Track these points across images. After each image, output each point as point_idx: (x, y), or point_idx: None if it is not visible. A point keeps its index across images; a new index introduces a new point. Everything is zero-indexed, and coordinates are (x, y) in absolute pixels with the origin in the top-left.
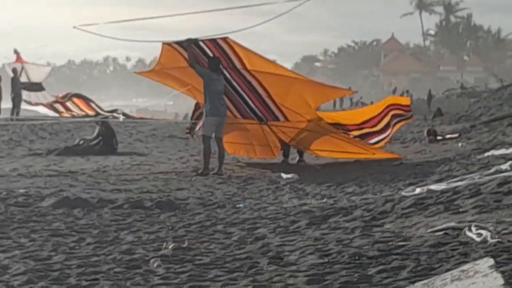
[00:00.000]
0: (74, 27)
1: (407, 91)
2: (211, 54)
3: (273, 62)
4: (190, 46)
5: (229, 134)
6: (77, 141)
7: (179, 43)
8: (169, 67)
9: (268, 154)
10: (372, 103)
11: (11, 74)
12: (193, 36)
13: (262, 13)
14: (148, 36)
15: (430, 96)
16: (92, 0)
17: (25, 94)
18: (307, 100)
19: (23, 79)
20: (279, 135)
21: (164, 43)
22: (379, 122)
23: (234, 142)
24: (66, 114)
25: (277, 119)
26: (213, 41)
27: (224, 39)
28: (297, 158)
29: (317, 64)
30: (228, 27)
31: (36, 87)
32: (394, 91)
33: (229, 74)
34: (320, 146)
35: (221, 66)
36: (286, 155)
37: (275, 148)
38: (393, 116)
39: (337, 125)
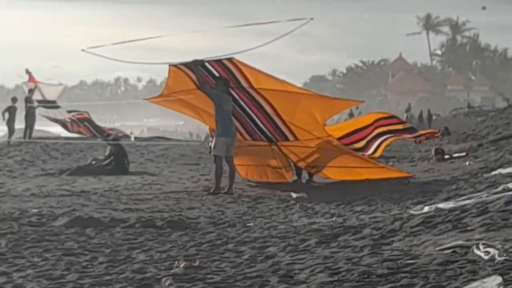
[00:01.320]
0: (83, 50)
1: (409, 110)
2: (217, 75)
3: (278, 79)
4: (197, 67)
5: (240, 157)
6: (89, 161)
7: (185, 64)
8: (177, 90)
9: (280, 178)
10: None
11: (28, 93)
12: (200, 57)
13: (268, 34)
14: (157, 57)
15: (429, 116)
16: (104, 21)
17: (42, 110)
18: (315, 115)
19: (37, 97)
20: (289, 157)
21: (170, 65)
22: (363, 138)
23: (246, 164)
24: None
25: (287, 138)
26: (219, 61)
27: (230, 60)
28: (307, 177)
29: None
30: (235, 47)
31: (52, 104)
32: (408, 110)
33: (237, 94)
34: (331, 164)
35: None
36: (298, 174)
37: (286, 171)
38: (379, 134)
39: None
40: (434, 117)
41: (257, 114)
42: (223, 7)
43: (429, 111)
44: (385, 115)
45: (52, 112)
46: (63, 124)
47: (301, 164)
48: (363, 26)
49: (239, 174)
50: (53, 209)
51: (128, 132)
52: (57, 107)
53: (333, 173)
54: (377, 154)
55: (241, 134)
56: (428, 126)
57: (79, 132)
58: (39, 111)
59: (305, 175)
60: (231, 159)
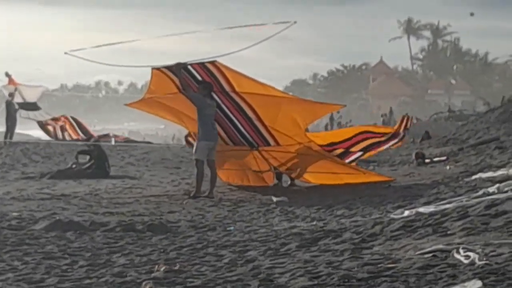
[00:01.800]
0: (66, 53)
1: (386, 115)
2: (200, 78)
3: (261, 83)
4: (180, 70)
5: (222, 161)
6: (69, 164)
7: (168, 67)
8: (159, 95)
9: (261, 182)
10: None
11: (8, 97)
12: (183, 60)
13: (251, 38)
14: (138, 61)
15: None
16: (86, 25)
17: (23, 113)
18: (296, 120)
19: (18, 99)
20: (270, 162)
21: (153, 68)
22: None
23: (227, 168)
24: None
25: (268, 143)
26: (202, 65)
27: (213, 63)
28: (289, 181)
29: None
30: (217, 51)
31: (32, 106)
32: (384, 114)
33: (219, 98)
34: (312, 169)
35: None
36: (279, 178)
37: (267, 176)
38: (360, 149)
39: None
40: (415, 121)
41: (239, 119)
42: (204, 12)
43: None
44: (369, 129)
45: (32, 114)
46: (46, 130)
47: (282, 169)
48: (344, 30)
49: (219, 178)
50: (34, 212)
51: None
52: (38, 108)
53: (313, 177)
54: (354, 163)
55: (222, 138)
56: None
57: (62, 138)
58: (21, 114)
59: (286, 179)
60: (213, 162)
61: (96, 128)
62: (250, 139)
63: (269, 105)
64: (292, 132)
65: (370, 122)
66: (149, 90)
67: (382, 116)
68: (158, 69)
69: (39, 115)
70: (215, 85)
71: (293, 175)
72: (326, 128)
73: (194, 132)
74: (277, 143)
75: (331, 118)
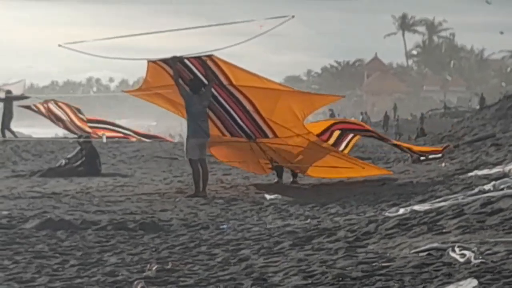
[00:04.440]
0: (59, 45)
1: (366, 113)
2: (196, 72)
3: (258, 76)
4: (175, 63)
5: (221, 153)
6: (63, 161)
7: (164, 60)
8: (156, 86)
9: (260, 170)
10: None
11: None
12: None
13: (246, 33)
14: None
15: (386, 118)
16: (77, 21)
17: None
18: (294, 112)
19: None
20: (268, 153)
21: (149, 61)
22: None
23: (227, 160)
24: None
25: (266, 135)
26: (198, 58)
27: (209, 57)
28: (291, 179)
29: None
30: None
31: (20, 97)
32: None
33: (216, 91)
34: (311, 163)
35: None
36: (279, 175)
37: (266, 166)
38: (343, 131)
39: None
40: (409, 118)
41: (236, 111)
42: (197, 7)
43: (385, 113)
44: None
45: (24, 103)
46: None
47: (280, 161)
48: (338, 26)
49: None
50: (24, 211)
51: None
52: (26, 97)
53: (312, 171)
54: (347, 151)
55: (220, 130)
56: (383, 129)
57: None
58: (17, 103)
59: (288, 176)
60: (204, 161)
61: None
62: (247, 131)
63: (266, 97)
64: (290, 123)
65: (365, 119)
66: (146, 81)
67: (361, 114)
68: (154, 62)
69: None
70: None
71: (297, 170)
72: None
73: None
74: (275, 135)
75: (332, 115)
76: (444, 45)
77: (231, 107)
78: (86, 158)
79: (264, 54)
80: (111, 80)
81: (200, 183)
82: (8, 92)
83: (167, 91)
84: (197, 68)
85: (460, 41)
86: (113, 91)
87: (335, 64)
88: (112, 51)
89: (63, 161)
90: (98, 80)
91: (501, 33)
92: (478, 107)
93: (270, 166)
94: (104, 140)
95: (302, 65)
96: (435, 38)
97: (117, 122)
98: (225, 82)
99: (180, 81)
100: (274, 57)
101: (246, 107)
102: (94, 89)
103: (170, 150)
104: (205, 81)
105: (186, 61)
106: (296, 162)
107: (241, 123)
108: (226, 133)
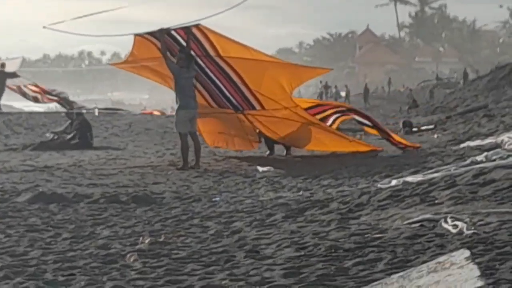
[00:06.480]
0: (44, 27)
1: (338, 86)
2: (183, 43)
3: (246, 46)
4: (162, 36)
5: (207, 124)
6: (49, 135)
7: (151, 33)
8: (142, 58)
9: (247, 146)
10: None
11: None
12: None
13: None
14: (120, 30)
15: (366, 91)
16: None
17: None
18: (282, 84)
19: None
20: (255, 125)
21: (136, 35)
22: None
23: (212, 132)
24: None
25: (253, 107)
26: (186, 28)
27: (197, 26)
28: (285, 151)
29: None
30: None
31: (12, 75)
32: (326, 86)
33: (203, 62)
34: (298, 135)
35: (194, 55)
36: (270, 148)
37: (253, 139)
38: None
39: None
40: (402, 89)
41: (223, 82)
42: None
43: (365, 85)
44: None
45: (12, 82)
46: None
47: (268, 133)
48: None
49: (205, 143)
50: (16, 184)
51: (92, 106)
52: (17, 76)
53: (299, 143)
54: (335, 126)
55: (207, 101)
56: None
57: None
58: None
59: (280, 148)
60: (195, 134)
61: (80, 99)
62: (234, 102)
63: (254, 69)
64: (278, 96)
65: (357, 90)
66: (132, 54)
67: (324, 88)
68: (140, 35)
69: (19, 82)
70: (199, 50)
71: (283, 142)
72: (320, 97)
73: None
74: (263, 107)
75: (326, 86)
76: (436, 16)
77: (218, 78)
78: (78, 131)
79: (257, 26)
80: (102, 53)
81: (188, 157)
82: (3, 65)
83: (154, 63)
84: (184, 39)
85: (452, 13)
86: (104, 65)
87: (328, 36)
88: (102, 24)
89: (51, 135)
90: (90, 53)
91: (501, 6)
92: (461, 82)
93: (257, 140)
94: (96, 113)
95: (294, 37)
96: (427, 9)
97: (109, 95)
98: (212, 53)
99: (168, 54)
100: (267, 30)
101: (233, 78)
102: (86, 62)
103: (162, 123)
104: (193, 53)
105: (173, 32)
106: (284, 135)
107: (228, 94)
108: (213, 104)
